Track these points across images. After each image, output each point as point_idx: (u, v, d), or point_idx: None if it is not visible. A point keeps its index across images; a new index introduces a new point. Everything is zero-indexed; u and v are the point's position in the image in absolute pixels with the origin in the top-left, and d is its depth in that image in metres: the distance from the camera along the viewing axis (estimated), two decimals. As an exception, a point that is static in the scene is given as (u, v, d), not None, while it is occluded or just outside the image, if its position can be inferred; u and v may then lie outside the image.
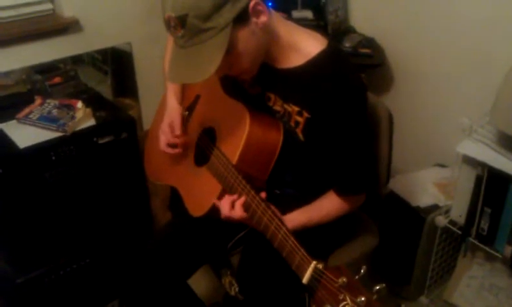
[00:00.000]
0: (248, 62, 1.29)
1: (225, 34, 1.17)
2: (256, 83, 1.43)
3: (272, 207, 1.27)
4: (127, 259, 2.06)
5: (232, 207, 1.31)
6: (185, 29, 1.17)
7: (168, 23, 1.19)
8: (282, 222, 1.19)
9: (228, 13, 1.16)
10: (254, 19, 1.22)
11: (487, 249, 1.86)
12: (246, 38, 1.22)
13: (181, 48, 1.22)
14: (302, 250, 1.10)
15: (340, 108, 1.28)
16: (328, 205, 1.42)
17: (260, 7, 1.22)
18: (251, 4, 1.19)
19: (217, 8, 1.15)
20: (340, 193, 1.40)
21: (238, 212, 1.30)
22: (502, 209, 1.77)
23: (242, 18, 1.19)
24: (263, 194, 1.29)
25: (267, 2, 1.29)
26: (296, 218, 1.34)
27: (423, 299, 2.17)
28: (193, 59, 1.20)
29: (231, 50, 1.20)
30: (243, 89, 1.46)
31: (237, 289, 1.55)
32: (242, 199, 1.30)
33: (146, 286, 1.57)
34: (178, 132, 1.58)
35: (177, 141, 1.58)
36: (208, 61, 1.18)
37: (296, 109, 1.34)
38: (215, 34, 1.17)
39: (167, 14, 1.17)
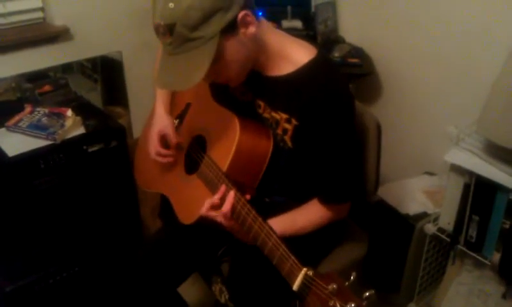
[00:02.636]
0: (235, 70, 1.30)
1: (213, 43, 1.19)
2: (246, 90, 1.44)
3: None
4: (116, 268, 2.06)
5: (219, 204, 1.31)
6: (173, 36, 1.18)
7: (157, 29, 1.20)
8: (272, 230, 1.19)
9: (217, 24, 1.18)
10: (242, 30, 1.23)
11: (475, 256, 1.87)
12: (234, 48, 1.24)
13: (169, 55, 1.23)
14: (292, 257, 1.11)
15: (328, 116, 1.29)
16: (311, 213, 1.42)
17: (248, 19, 1.23)
18: (240, 15, 1.21)
19: (206, 19, 1.16)
20: (324, 201, 1.41)
21: (227, 206, 1.28)
22: (490, 217, 1.78)
23: (230, 28, 1.20)
24: (247, 196, 1.29)
25: (258, 11, 1.30)
26: (278, 223, 1.31)
27: (412, 306, 2.18)
28: (180, 67, 1.22)
29: (218, 59, 1.21)
30: (234, 97, 1.47)
31: (227, 296, 1.56)
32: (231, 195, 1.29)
33: (136, 294, 1.57)
34: (174, 140, 1.59)
35: (166, 152, 1.60)
36: (195, 69, 1.20)
37: (285, 116, 1.35)
38: (202, 44, 1.18)
39: (156, 21, 1.19)
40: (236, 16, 1.20)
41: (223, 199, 1.30)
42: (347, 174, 1.39)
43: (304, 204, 1.44)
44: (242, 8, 1.21)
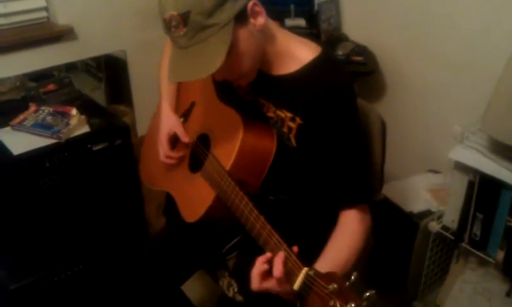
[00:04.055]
0: (248, 64, 1.29)
1: (228, 30, 1.18)
2: (250, 90, 1.44)
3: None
4: (121, 266, 2.07)
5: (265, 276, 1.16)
6: (188, 26, 1.16)
7: (168, 23, 1.18)
8: (275, 230, 1.19)
9: (230, 10, 1.17)
10: (252, 20, 1.23)
11: (479, 254, 1.87)
12: (246, 39, 1.23)
13: (182, 49, 1.21)
14: (293, 256, 1.11)
15: (332, 113, 1.29)
16: (344, 234, 1.31)
17: (257, 8, 1.23)
18: (250, 4, 1.21)
19: (220, 5, 1.16)
20: (345, 204, 1.33)
21: (279, 269, 1.12)
22: (494, 214, 1.78)
23: (241, 17, 1.20)
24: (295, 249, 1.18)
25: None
26: (322, 262, 1.22)
27: (416, 304, 2.18)
28: (196, 57, 1.20)
29: (231, 51, 1.20)
30: (238, 96, 1.47)
31: (236, 289, 1.54)
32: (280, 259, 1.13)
33: (140, 293, 1.57)
34: (186, 139, 1.58)
35: (175, 155, 1.59)
36: (213, 56, 1.18)
37: (289, 115, 1.34)
38: (218, 31, 1.17)
39: (168, 13, 1.17)
40: (246, 5, 1.21)
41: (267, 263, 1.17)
42: (362, 170, 1.36)
43: (309, 203, 1.43)
44: None
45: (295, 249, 1.14)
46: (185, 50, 1.21)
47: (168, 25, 1.19)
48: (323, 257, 1.26)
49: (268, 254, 1.16)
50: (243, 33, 1.22)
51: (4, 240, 1.97)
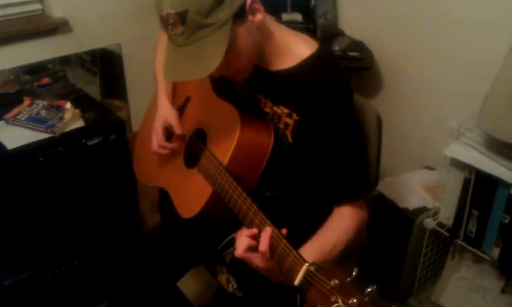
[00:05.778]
0: (245, 61, 1.28)
1: (226, 29, 1.17)
2: (247, 85, 1.43)
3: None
4: (115, 262, 2.06)
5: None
6: (185, 25, 1.15)
7: (166, 20, 1.17)
8: (274, 225, 1.18)
9: (228, 9, 1.16)
10: (250, 17, 1.22)
11: (475, 251, 1.87)
12: (243, 36, 1.22)
13: (178, 47, 1.20)
14: (294, 252, 1.10)
15: (329, 110, 1.29)
16: (336, 222, 1.33)
17: (256, 6, 1.22)
18: (249, 1, 1.20)
19: (218, 3, 1.14)
20: (341, 199, 1.34)
21: (265, 244, 1.15)
22: (490, 211, 1.79)
23: (240, 15, 1.19)
24: (283, 231, 1.20)
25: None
26: (308, 252, 1.18)
27: (411, 301, 2.18)
28: (194, 56, 1.19)
29: (229, 49, 1.18)
30: (235, 90, 1.46)
31: (235, 286, 1.53)
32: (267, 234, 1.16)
33: (135, 289, 1.56)
34: (179, 131, 1.57)
35: (168, 145, 1.58)
36: (211, 57, 1.17)
37: (286, 111, 1.34)
38: (215, 30, 1.16)
39: (165, 11, 1.15)
40: (245, 2, 1.20)
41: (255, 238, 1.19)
42: (357, 166, 1.36)
43: (305, 199, 1.43)
44: None
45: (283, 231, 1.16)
46: (182, 48, 1.20)
47: (165, 23, 1.18)
48: (309, 245, 1.27)
49: (254, 230, 1.19)
50: (241, 31, 1.21)
51: (-3, 235, 1.96)
